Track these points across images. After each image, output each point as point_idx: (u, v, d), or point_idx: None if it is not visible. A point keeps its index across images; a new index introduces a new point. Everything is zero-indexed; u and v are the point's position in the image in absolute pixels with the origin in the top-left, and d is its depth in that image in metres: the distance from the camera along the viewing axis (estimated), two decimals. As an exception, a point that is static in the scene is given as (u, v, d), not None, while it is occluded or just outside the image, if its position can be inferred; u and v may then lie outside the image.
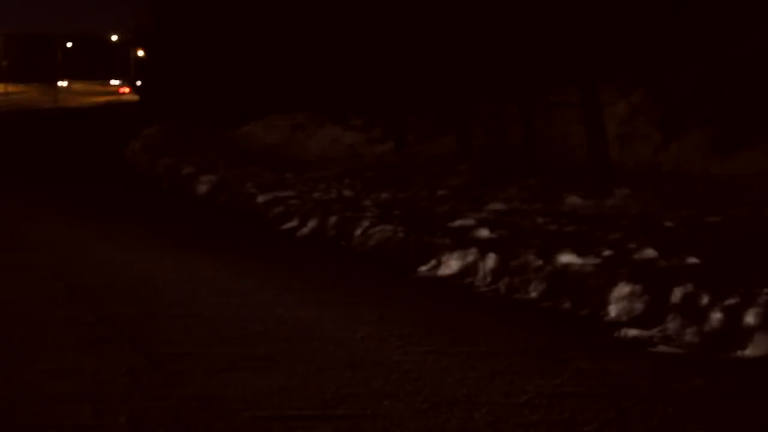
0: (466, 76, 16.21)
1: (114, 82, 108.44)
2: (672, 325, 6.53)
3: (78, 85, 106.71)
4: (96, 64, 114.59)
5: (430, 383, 5.44)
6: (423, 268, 8.67)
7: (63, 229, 11.73)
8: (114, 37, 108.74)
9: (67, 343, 6.37)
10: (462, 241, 9.22)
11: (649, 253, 8.14)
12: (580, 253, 8.11)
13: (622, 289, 7.11)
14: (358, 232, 10.16)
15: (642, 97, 14.74)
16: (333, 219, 10.85)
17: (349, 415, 4.96)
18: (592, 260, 7.97)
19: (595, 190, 11.94)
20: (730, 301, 6.44)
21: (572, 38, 12.51)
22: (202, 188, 15.05)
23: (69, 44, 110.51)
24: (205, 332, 6.61)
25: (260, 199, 12.99)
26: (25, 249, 10.29)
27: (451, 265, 8.60)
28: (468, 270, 8.45)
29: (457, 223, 10.34)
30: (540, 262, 7.99)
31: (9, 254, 9.92)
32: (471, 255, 8.58)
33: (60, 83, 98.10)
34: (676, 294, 6.75)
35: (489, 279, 8.19)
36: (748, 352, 5.96)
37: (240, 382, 5.49)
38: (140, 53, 50.55)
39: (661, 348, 6.14)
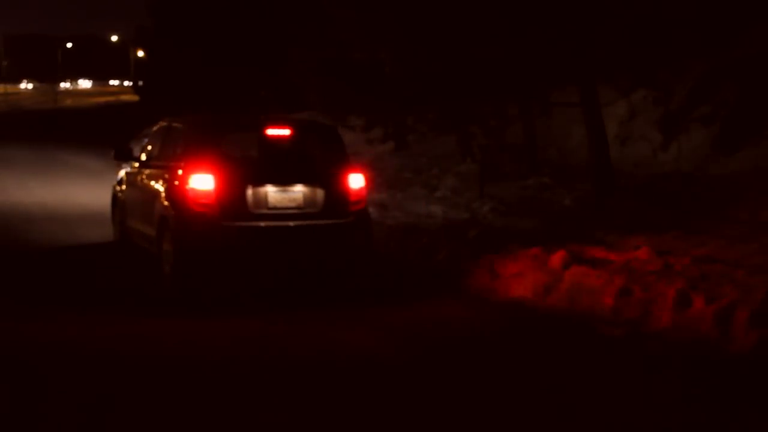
0: (467, 77, 16.18)
1: (113, 82, 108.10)
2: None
3: (78, 86, 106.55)
4: (96, 64, 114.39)
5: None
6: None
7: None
8: (114, 38, 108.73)
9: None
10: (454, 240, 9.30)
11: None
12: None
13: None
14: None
15: (642, 97, 14.72)
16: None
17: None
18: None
19: (596, 190, 11.92)
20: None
21: (572, 39, 12.49)
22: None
23: (69, 45, 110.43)
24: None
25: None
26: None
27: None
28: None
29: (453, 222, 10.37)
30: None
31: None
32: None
33: (60, 84, 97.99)
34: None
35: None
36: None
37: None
38: (140, 53, 50.59)
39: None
